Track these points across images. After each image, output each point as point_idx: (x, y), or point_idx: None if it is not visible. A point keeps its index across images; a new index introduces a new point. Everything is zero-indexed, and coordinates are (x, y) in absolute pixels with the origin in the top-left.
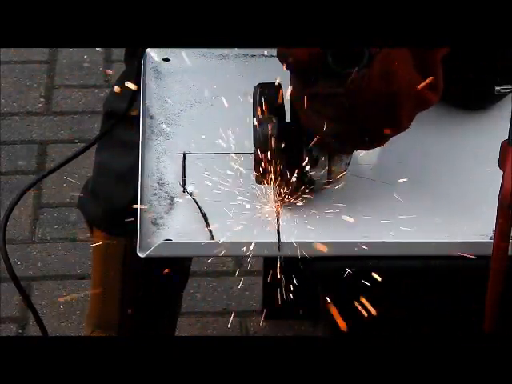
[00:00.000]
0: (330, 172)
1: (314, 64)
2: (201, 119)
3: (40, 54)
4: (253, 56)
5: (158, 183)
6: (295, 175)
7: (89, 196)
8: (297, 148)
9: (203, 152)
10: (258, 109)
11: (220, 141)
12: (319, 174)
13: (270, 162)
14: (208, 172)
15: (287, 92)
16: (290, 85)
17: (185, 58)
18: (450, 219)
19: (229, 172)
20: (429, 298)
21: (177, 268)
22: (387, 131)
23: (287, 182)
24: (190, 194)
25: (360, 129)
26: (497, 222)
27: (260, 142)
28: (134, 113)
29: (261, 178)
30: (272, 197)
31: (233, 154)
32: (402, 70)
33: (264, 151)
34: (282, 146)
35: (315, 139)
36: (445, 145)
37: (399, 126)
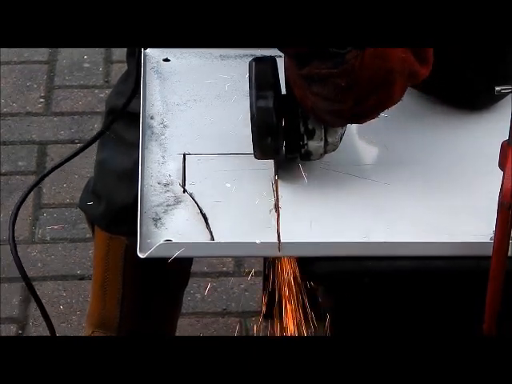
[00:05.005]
0: (326, 143)
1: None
2: (201, 119)
3: (40, 54)
4: (253, 56)
5: (158, 183)
6: (293, 147)
7: (90, 195)
8: (293, 120)
9: (203, 152)
10: (254, 83)
11: (220, 141)
12: (316, 145)
13: (268, 135)
14: (208, 172)
15: (282, 65)
16: (285, 64)
17: (185, 58)
18: (450, 219)
19: (229, 172)
20: (429, 299)
21: (177, 268)
22: (380, 106)
23: (285, 154)
24: (190, 195)
25: (354, 106)
26: (497, 222)
27: (258, 114)
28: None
29: (260, 153)
30: (272, 195)
31: (233, 155)
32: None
33: (262, 125)
34: (279, 118)
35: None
36: (445, 145)
37: (392, 101)
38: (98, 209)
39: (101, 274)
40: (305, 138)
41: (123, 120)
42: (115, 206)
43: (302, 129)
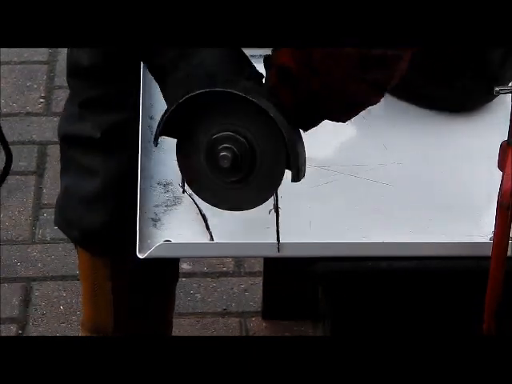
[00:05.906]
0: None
1: None
2: None
3: (40, 54)
4: (253, 56)
5: (158, 184)
6: None
7: (62, 219)
8: None
9: None
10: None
11: None
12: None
13: None
14: None
15: None
16: None
17: None
18: (449, 220)
19: None
20: (428, 299)
21: (168, 267)
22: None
23: None
24: (190, 195)
25: None
26: (496, 222)
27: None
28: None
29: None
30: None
31: None
32: None
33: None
34: None
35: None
36: (444, 145)
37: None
38: (74, 232)
39: (89, 288)
40: None
41: (79, 146)
42: (87, 231)
43: None
